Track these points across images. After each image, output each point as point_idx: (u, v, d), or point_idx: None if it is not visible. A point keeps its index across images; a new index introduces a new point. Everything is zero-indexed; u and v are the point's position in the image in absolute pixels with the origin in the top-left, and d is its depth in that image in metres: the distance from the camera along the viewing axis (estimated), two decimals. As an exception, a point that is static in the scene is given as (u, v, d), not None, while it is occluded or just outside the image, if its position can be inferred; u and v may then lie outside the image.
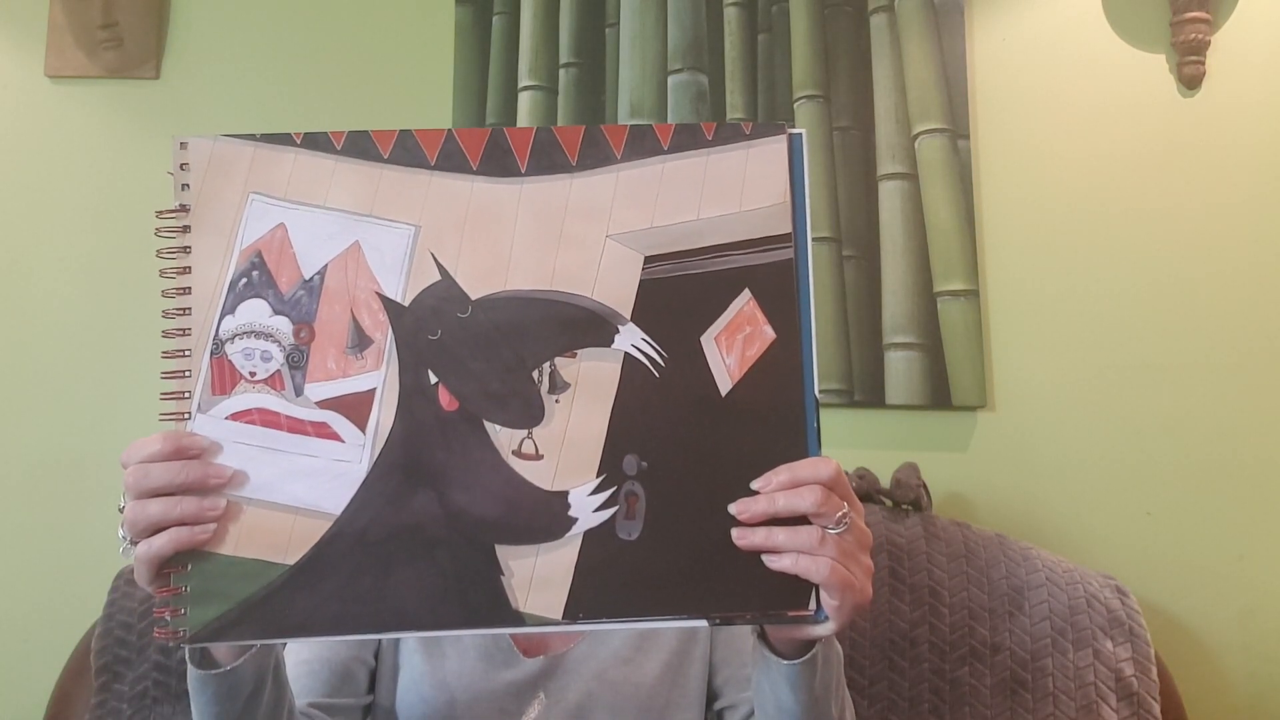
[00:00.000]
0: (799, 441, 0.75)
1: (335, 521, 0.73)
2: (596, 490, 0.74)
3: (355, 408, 0.74)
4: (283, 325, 0.74)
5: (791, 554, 0.73)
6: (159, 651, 1.40)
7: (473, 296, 0.75)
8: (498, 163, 0.76)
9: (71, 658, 1.48)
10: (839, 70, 1.72)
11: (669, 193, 0.76)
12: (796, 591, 0.74)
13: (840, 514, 0.73)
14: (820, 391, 0.77)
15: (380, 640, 1.05)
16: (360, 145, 0.76)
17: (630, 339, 0.75)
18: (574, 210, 0.76)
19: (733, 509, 0.74)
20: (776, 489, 0.74)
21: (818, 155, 1.70)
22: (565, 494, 0.74)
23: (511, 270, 0.75)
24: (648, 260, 0.76)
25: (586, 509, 0.74)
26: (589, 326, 0.75)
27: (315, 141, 0.76)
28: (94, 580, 1.51)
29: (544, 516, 0.74)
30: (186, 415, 0.74)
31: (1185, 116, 1.65)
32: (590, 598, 0.73)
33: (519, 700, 1.00)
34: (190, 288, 0.74)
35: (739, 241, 0.76)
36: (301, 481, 0.73)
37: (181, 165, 0.75)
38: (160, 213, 0.75)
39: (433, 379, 0.74)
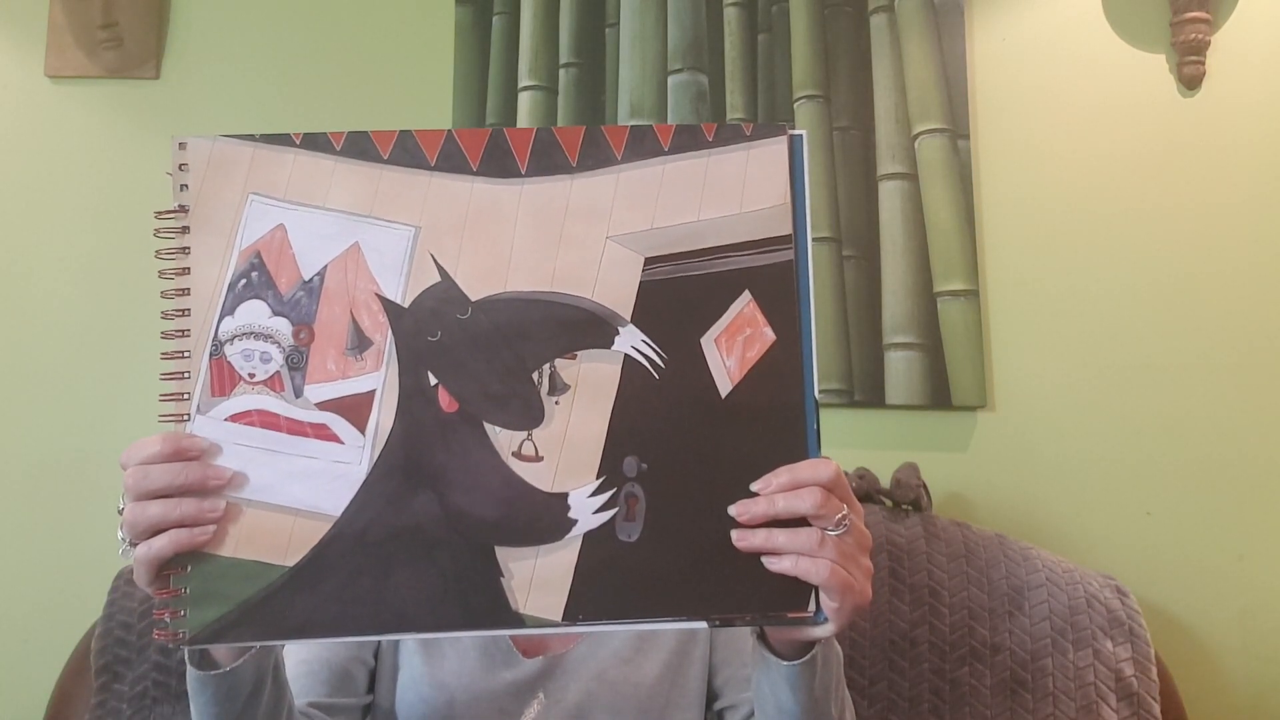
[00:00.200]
0: (799, 443, 0.75)
1: (335, 523, 0.73)
2: (596, 492, 0.74)
3: (355, 409, 0.74)
4: (282, 326, 0.74)
5: (791, 556, 0.73)
6: (159, 651, 1.39)
7: (472, 298, 0.75)
8: (498, 163, 0.76)
9: (71, 658, 1.48)
10: (839, 70, 1.72)
11: (669, 194, 0.76)
12: (796, 593, 0.74)
13: (840, 516, 0.73)
14: (820, 391, 0.77)
15: (380, 641, 1.05)
16: (360, 146, 0.76)
17: (630, 340, 0.75)
18: (574, 211, 0.76)
19: (732, 511, 0.74)
20: (776, 491, 0.74)
21: (818, 155, 1.70)
22: (565, 495, 0.74)
23: (511, 271, 0.75)
24: (648, 261, 0.76)
25: (586, 511, 0.74)
26: (589, 328, 0.75)
27: (315, 142, 0.76)
28: (94, 580, 1.50)
29: (544, 518, 0.74)
30: (186, 416, 0.73)
31: (1185, 116, 1.65)
32: (590, 599, 0.73)
33: (518, 700, 1.00)
34: (189, 288, 0.74)
35: (739, 243, 0.76)
36: (301, 483, 0.73)
37: (180, 165, 0.75)
38: (159, 213, 0.75)
39: (432, 380, 0.74)
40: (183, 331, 0.74)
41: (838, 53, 1.73)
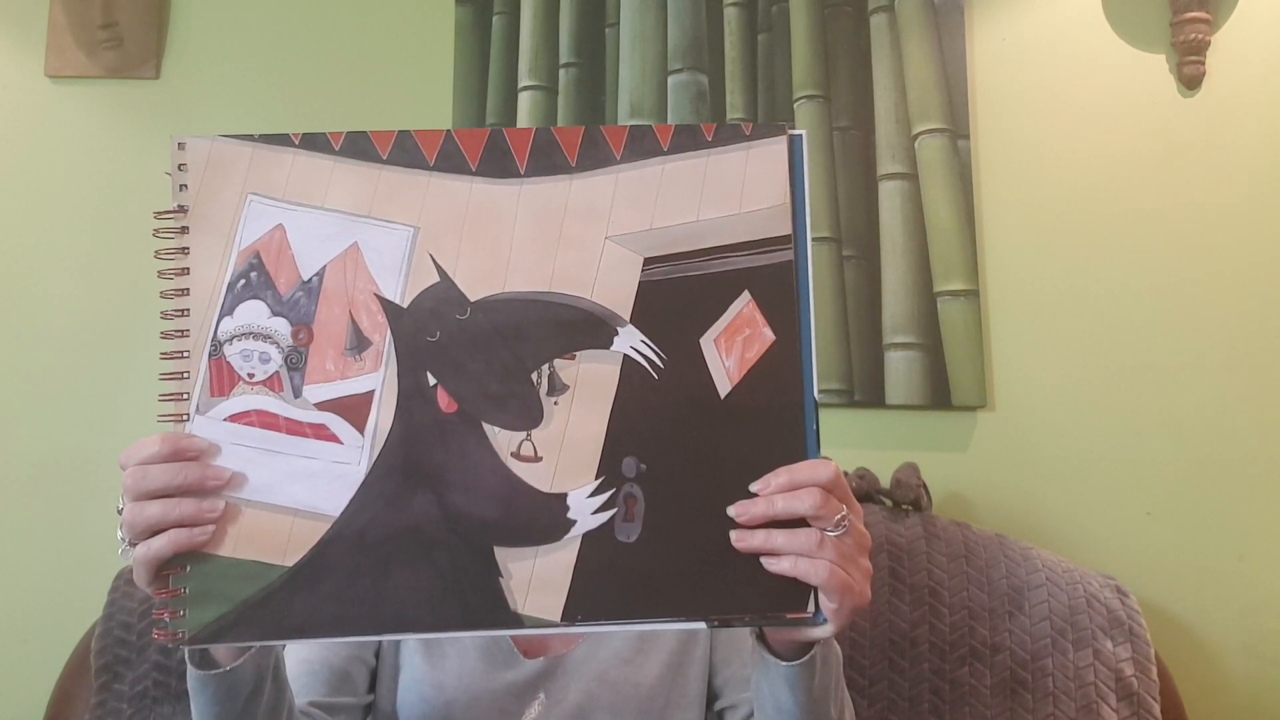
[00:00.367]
0: (798, 444, 0.75)
1: (334, 523, 0.73)
2: (595, 492, 0.74)
3: (354, 409, 0.74)
4: (281, 327, 0.74)
5: (790, 556, 0.73)
6: (159, 651, 1.40)
7: (471, 298, 0.75)
8: (497, 163, 0.76)
9: (71, 658, 1.48)
10: (839, 70, 1.72)
11: (669, 194, 0.76)
12: (795, 593, 0.74)
13: (839, 516, 0.73)
14: (820, 391, 0.77)
15: (381, 641, 1.05)
16: (359, 146, 0.76)
17: (629, 341, 0.75)
18: (573, 211, 0.76)
19: (731, 511, 0.74)
20: (775, 491, 0.74)
21: (818, 155, 1.70)
22: (564, 496, 0.74)
23: (510, 272, 0.75)
24: (647, 262, 0.76)
25: (585, 511, 0.74)
26: (588, 328, 0.75)
27: (314, 142, 0.76)
28: (94, 580, 1.51)
29: (543, 518, 0.73)
30: (185, 417, 0.73)
31: (1185, 116, 1.65)
32: (589, 600, 0.73)
33: (519, 701, 1.01)
34: (188, 289, 0.74)
35: (739, 243, 0.76)
36: (300, 483, 0.73)
37: (179, 165, 0.75)
38: (158, 213, 0.75)
39: (431, 381, 0.74)
40: (182, 331, 0.74)
41: (838, 53, 1.73)
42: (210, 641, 0.72)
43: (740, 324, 0.76)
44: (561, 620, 0.73)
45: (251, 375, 0.74)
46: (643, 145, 0.77)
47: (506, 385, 0.74)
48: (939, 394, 1.64)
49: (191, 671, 0.79)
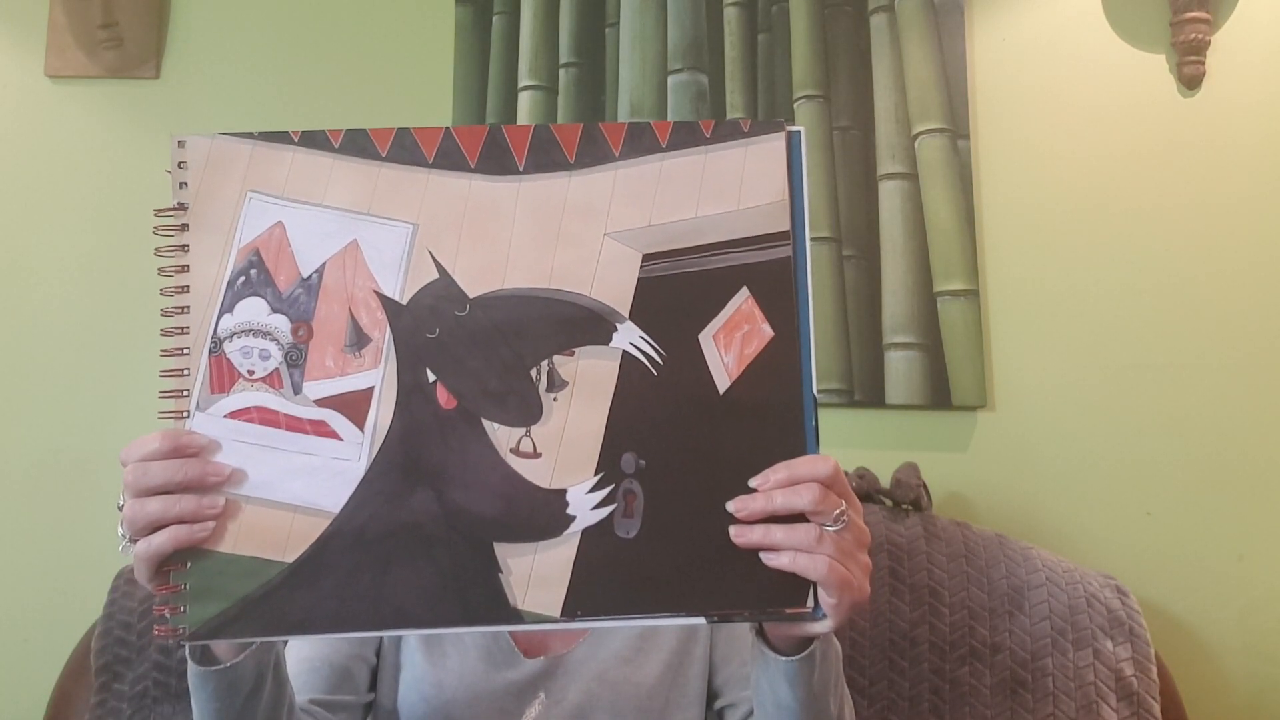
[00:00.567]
0: (797, 439, 0.75)
1: (334, 519, 0.73)
2: (595, 488, 0.74)
3: (353, 406, 0.74)
4: (281, 323, 0.74)
5: (789, 552, 0.73)
6: (159, 651, 1.40)
7: (471, 295, 0.75)
8: (496, 161, 0.76)
9: (71, 658, 1.48)
10: (839, 70, 1.72)
11: (667, 190, 0.76)
12: (794, 589, 0.74)
13: (838, 512, 0.73)
14: (820, 391, 0.77)
15: (382, 639, 1.05)
16: (358, 143, 0.76)
17: (628, 337, 0.75)
18: (572, 208, 0.76)
19: (730, 507, 0.74)
20: (774, 487, 0.74)
21: (818, 155, 1.70)
22: (563, 492, 0.74)
23: (509, 268, 0.75)
24: (646, 258, 0.76)
25: (584, 507, 0.74)
26: (587, 324, 0.75)
27: (313, 140, 0.76)
28: (94, 580, 1.51)
29: (542, 514, 0.74)
30: (185, 414, 0.74)
31: (1185, 116, 1.65)
32: (588, 595, 0.73)
33: (519, 700, 1.01)
34: (188, 286, 0.74)
35: (737, 239, 0.76)
36: (300, 479, 0.73)
37: (179, 164, 0.76)
38: (158, 211, 0.75)
39: (431, 377, 0.74)
40: (182, 329, 0.74)
41: (838, 53, 1.73)
42: (211, 637, 0.72)
43: (739, 320, 0.76)
44: (561, 616, 0.73)
45: (251, 372, 0.74)
46: (641, 142, 0.77)
47: (506, 382, 0.74)
48: (939, 394, 1.64)
49: (192, 668, 0.79)
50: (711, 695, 1.08)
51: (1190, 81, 1.64)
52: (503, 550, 0.73)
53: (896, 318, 1.66)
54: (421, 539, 0.73)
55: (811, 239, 0.77)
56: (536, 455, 0.74)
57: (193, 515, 0.71)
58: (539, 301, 0.75)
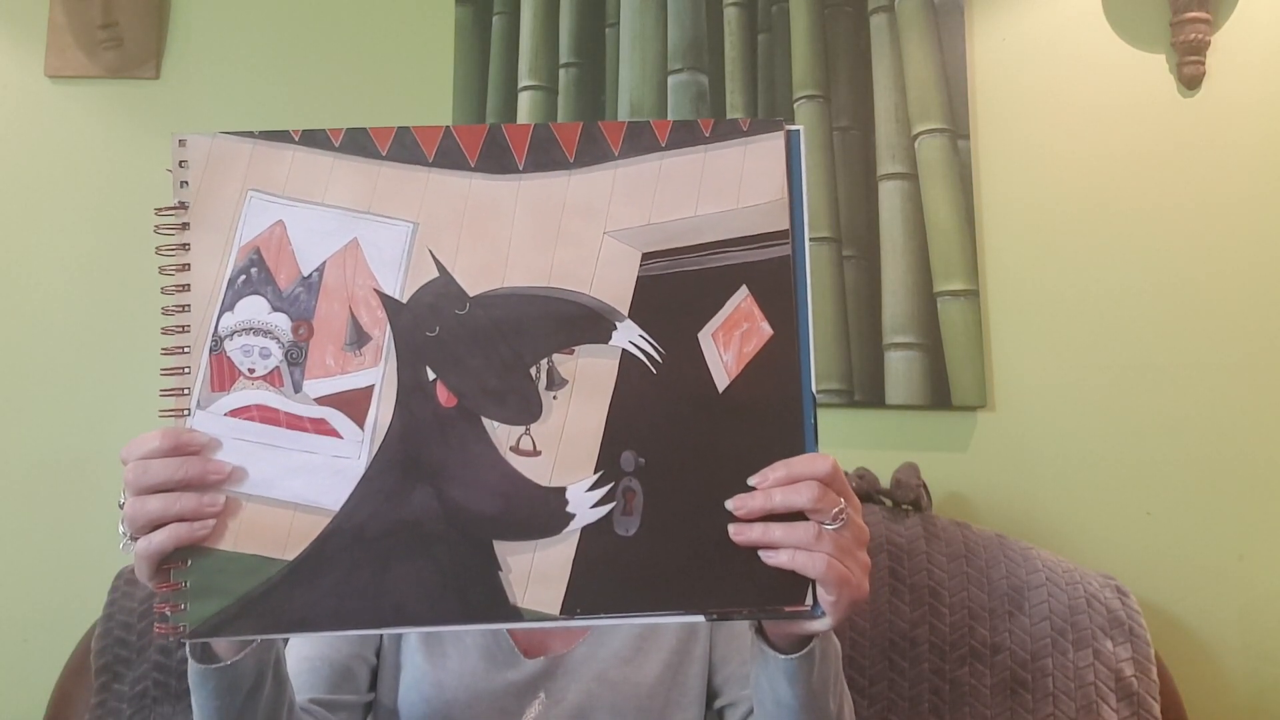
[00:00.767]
0: (796, 437, 0.75)
1: (334, 517, 0.73)
2: (594, 486, 0.74)
3: (354, 404, 0.74)
4: (281, 322, 0.75)
5: (788, 550, 0.73)
6: (159, 651, 1.40)
7: (471, 293, 0.75)
8: (495, 160, 0.76)
9: (71, 658, 1.48)
10: (839, 70, 1.72)
11: (667, 189, 0.76)
12: (793, 587, 0.74)
13: (837, 510, 0.73)
14: (820, 391, 0.77)
15: (382, 638, 1.05)
16: (358, 142, 0.76)
17: (627, 335, 0.75)
18: (572, 207, 0.76)
19: (730, 505, 0.74)
20: (773, 485, 0.74)
21: (817, 155, 1.70)
22: (563, 490, 0.74)
23: (509, 267, 0.75)
24: (645, 257, 0.76)
25: (584, 505, 0.74)
26: (586, 323, 0.75)
27: (313, 139, 0.76)
28: (94, 580, 1.51)
29: (542, 512, 0.74)
30: (186, 412, 0.74)
31: (1185, 116, 1.65)
32: (588, 593, 0.73)
33: (519, 700, 1.01)
34: (189, 285, 0.75)
35: (736, 238, 0.76)
36: (300, 478, 0.73)
37: (180, 163, 0.76)
38: (159, 210, 0.75)
39: (431, 375, 0.75)
40: (182, 327, 0.74)
41: (838, 53, 1.73)
42: (211, 635, 0.72)
43: (738, 318, 0.76)
44: (561, 614, 0.73)
45: (252, 370, 0.74)
46: (641, 141, 0.77)
47: (506, 380, 0.75)
48: (939, 394, 1.64)
49: (192, 666, 0.79)
50: (711, 694, 1.08)
51: (1190, 81, 1.64)
52: (502, 548, 0.73)
53: (896, 318, 1.66)
54: (421, 537, 0.73)
55: (811, 239, 0.77)
56: (536, 453, 0.74)
57: (193, 513, 0.71)
58: (539, 300, 0.75)
